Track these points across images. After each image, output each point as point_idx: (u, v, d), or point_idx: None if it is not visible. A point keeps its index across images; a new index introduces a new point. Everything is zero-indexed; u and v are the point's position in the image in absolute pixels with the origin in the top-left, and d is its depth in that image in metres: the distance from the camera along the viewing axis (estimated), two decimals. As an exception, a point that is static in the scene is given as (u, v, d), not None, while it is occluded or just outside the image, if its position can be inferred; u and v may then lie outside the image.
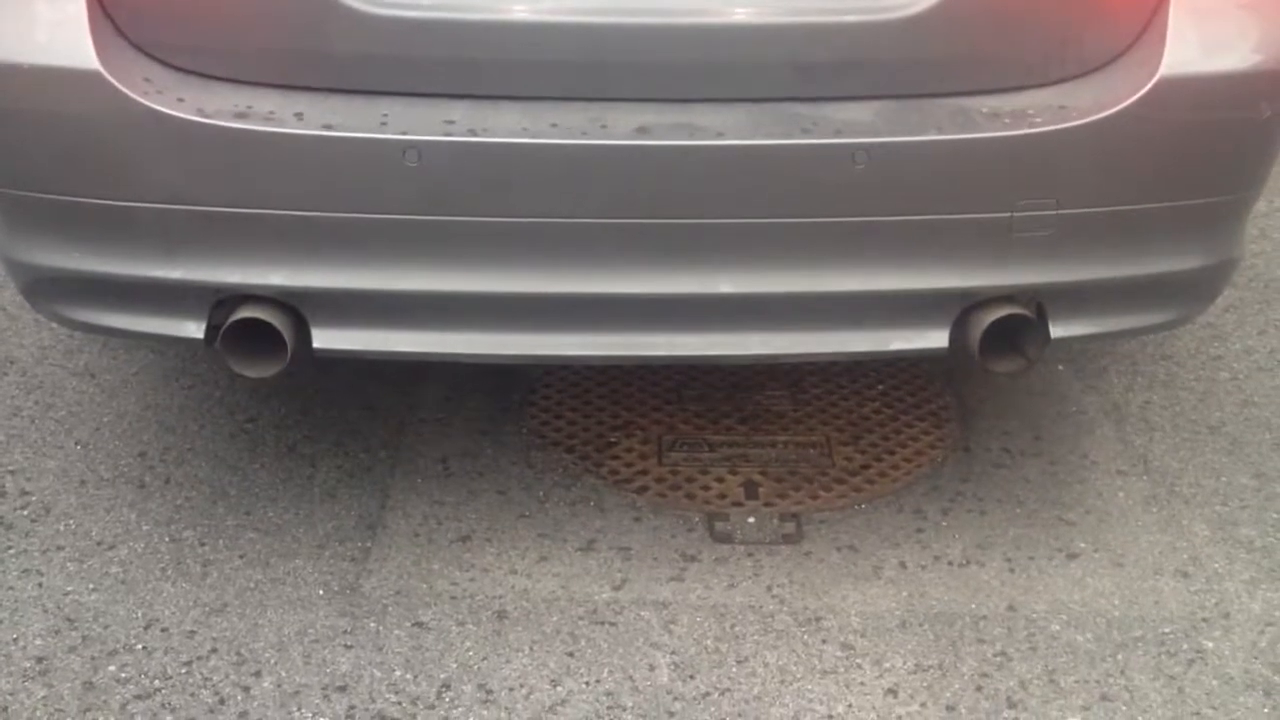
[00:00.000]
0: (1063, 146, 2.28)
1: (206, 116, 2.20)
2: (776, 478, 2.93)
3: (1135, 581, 2.66)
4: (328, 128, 2.21)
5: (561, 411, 3.17)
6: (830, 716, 2.33)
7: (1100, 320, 2.54)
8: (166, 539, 2.74)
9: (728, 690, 2.38)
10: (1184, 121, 2.33)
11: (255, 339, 2.36)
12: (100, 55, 2.19)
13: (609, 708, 2.34)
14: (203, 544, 2.72)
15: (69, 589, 2.60)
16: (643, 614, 2.55)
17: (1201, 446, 3.09)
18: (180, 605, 2.56)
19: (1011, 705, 2.36)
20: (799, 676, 2.41)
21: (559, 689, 2.38)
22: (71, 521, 2.78)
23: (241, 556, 2.69)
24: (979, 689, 2.39)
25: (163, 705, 2.33)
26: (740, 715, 2.33)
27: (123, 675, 2.40)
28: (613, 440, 3.06)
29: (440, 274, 2.34)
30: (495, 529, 2.78)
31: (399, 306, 2.40)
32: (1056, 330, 2.46)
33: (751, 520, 2.81)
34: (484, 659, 2.44)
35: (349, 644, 2.47)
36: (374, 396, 3.22)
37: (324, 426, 3.11)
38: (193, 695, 2.35)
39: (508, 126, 2.24)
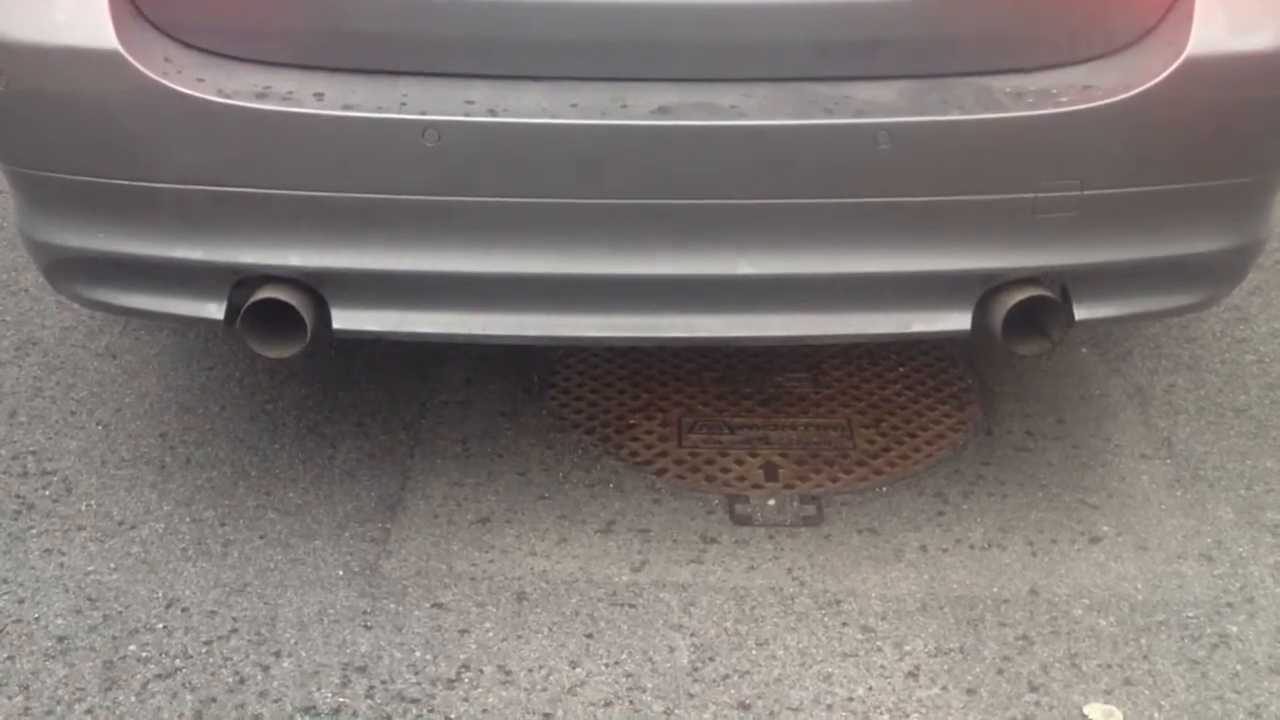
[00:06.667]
0: (1087, 126, 2.25)
1: (226, 97, 2.20)
2: (797, 460, 2.92)
3: (1158, 565, 2.64)
4: (347, 108, 2.21)
5: (581, 393, 3.16)
6: (851, 699, 2.32)
7: (1125, 302, 2.52)
8: (187, 519, 2.74)
9: (748, 673, 2.38)
10: (1211, 101, 2.30)
11: (275, 320, 2.36)
12: (120, 35, 2.19)
13: (629, 689, 2.34)
14: (223, 524, 2.73)
15: (90, 569, 2.61)
16: (662, 596, 2.55)
17: (1226, 430, 3.07)
18: (201, 585, 2.57)
19: (1033, 689, 2.35)
20: (819, 659, 2.41)
21: (578, 670, 2.38)
22: (93, 501, 2.79)
23: (262, 537, 2.70)
24: (1000, 672, 2.38)
25: (183, 684, 2.34)
26: (760, 697, 2.33)
27: (143, 654, 2.41)
28: (632, 422, 3.06)
29: (459, 255, 2.34)
30: (515, 510, 2.78)
31: (418, 287, 2.40)
32: (1081, 312, 2.44)
33: (772, 502, 2.80)
34: (503, 640, 2.44)
35: (368, 624, 2.48)
36: (394, 378, 3.22)
37: (344, 408, 3.11)
38: (213, 674, 2.36)
39: (527, 106, 2.23)
